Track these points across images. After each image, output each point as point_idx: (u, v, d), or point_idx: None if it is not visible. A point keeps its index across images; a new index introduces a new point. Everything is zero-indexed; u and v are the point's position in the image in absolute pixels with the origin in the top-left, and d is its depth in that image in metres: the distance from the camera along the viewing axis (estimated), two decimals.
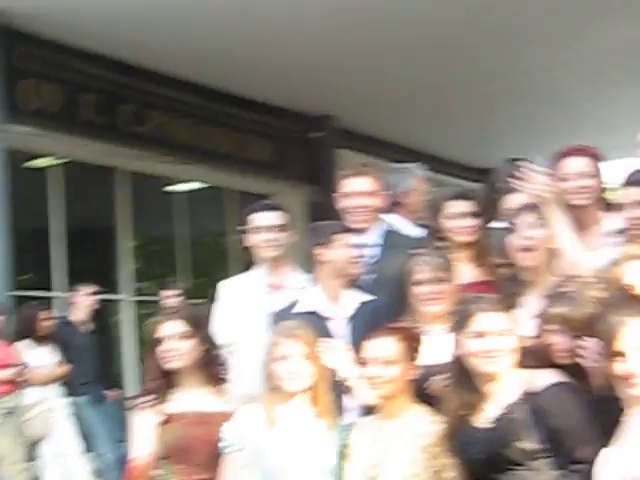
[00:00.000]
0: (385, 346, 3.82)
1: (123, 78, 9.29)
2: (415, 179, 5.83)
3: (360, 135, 10.53)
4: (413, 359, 3.86)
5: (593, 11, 7.81)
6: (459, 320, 3.67)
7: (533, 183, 4.27)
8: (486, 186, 5.11)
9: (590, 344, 3.46)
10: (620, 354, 3.18)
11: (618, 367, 3.19)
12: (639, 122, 5.46)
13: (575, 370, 3.57)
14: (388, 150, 10.22)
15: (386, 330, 3.90)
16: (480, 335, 3.54)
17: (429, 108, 9.97)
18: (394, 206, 5.61)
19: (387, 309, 4.42)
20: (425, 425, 3.75)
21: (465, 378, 3.61)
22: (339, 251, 4.60)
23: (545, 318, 3.71)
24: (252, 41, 7.99)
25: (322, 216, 5.44)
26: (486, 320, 3.56)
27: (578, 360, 3.56)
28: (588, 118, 10.11)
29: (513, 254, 4.37)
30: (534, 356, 3.65)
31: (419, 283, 4.26)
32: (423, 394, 3.91)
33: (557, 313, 3.65)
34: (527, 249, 4.29)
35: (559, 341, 3.63)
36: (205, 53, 8.42)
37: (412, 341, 3.89)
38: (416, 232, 5.34)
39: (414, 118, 10.21)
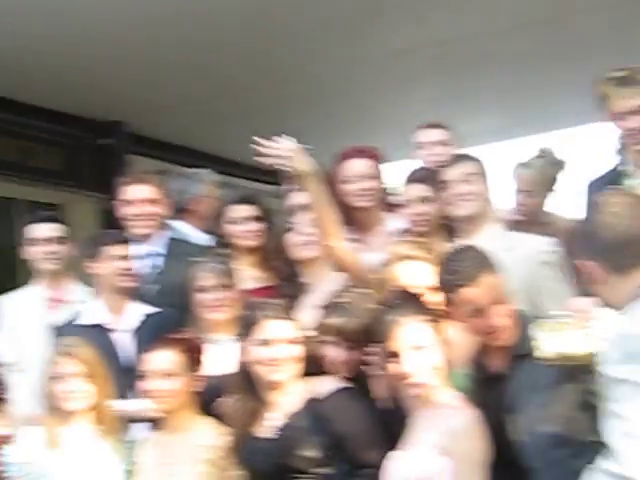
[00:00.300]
0: (165, 358, 3.71)
1: None
2: (205, 185, 5.71)
3: (152, 140, 10.28)
4: (195, 370, 3.76)
5: (381, 11, 7.87)
6: (244, 327, 3.58)
7: (279, 156, 4.09)
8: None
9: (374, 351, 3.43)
10: (395, 355, 3.17)
11: (393, 368, 3.18)
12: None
13: (358, 376, 3.55)
14: (181, 155, 9.98)
15: (166, 342, 3.77)
16: (265, 343, 3.46)
17: (221, 112, 9.87)
18: (183, 213, 5.50)
19: (174, 320, 4.28)
20: (210, 438, 3.65)
21: (250, 387, 3.53)
22: (107, 264, 4.44)
23: (320, 329, 3.66)
24: (32, 48, 7.70)
25: (115, 225, 5.24)
26: (272, 327, 3.48)
27: (363, 368, 3.52)
28: (378, 118, 10.22)
29: (292, 251, 4.31)
30: (315, 365, 3.59)
31: (202, 290, 4.15)
32: (210, 406, 3.79)
33: (332, 324, 3.61)
34: (306, 244, 4.25)
35: (334, 353, 3.60)
36: None
37: (193, 352, 3.79)
38: (204, 239, 5.24)
39: (206, 122, 10.09)
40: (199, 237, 5.31)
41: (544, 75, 9.12)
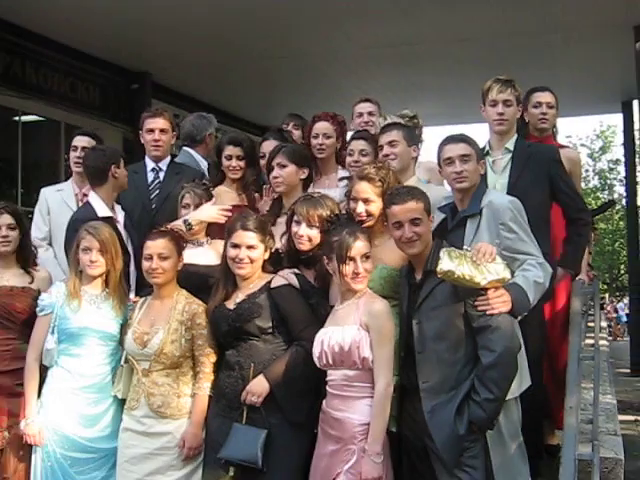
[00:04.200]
0: (161, 244, 4.02)
1: None
2: (214, 126, 5.94)
3: (171, 90, 10.58)
4: (180, 254, 4.06)
5: (356, 11, 8.09)
6: (227, 233, 3.93)
7: None
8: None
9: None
10: (352, 259, 3.60)
11: (348, 269, 3.58)
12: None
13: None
14: (192, 106, 10.19)
15: (161, 232, 4.09)
16: (236, 246, 3.85)
17: (232, 75, 10.12)
18: (195, 143, 5.73)
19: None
20: (184, 305, 4.00)
21: (227, 275, 3.94)
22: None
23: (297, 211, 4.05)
24: (93, 8, 7.93)
25: (131, 149, 5.49)
26: (241, 235, 3.85)
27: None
28: (346, 97, 10.45)
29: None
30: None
31: (184, 207, 4.55)
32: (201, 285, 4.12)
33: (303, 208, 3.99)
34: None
35: (301, 231, 3.96)
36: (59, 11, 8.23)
37: (178, 240, 4.10)
38: (204, 165, 5.59)
39: (219, 81, 10.31)
40: (202, 162, 5.61)
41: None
